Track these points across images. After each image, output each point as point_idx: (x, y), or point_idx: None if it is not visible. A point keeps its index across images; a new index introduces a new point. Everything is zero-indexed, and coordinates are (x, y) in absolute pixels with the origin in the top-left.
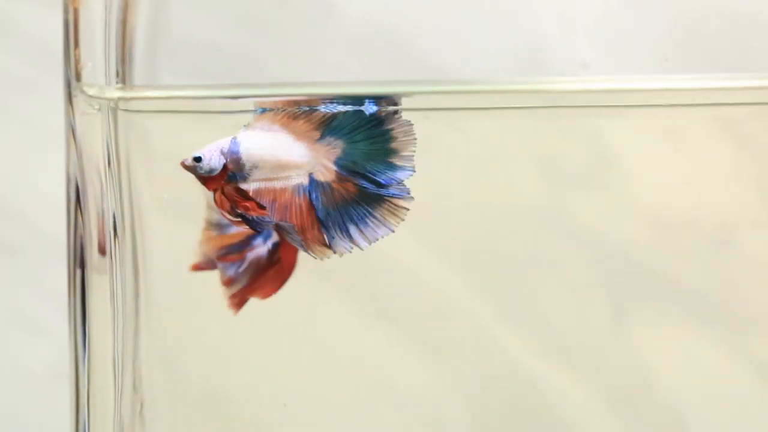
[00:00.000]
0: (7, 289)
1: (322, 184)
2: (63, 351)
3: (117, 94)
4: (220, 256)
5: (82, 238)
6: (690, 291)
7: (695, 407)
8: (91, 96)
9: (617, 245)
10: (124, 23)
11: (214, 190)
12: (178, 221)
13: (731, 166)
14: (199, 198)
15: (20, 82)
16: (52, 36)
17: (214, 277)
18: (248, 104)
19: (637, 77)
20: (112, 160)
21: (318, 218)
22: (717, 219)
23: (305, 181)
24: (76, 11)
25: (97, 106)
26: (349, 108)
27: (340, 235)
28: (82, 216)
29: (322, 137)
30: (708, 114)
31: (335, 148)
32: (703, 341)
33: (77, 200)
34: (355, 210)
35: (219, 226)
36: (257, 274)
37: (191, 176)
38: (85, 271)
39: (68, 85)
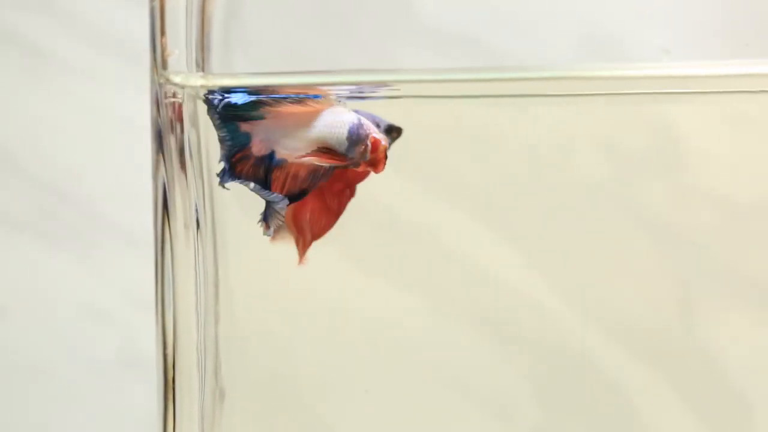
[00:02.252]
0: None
1: None
2: (134, 341)
3: (200, 81)
4: None
5: (170, 230)
6: (761, 277)
7: (765, 397)
8: (176, 84)
9: (685, 231)
10: (203, 12)
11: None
12: (256, 212)
13: None
14: None
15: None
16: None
17: (289, 266)
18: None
19: (701, 63)
20: (192, 149)
21: None
22: None
23: None
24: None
25: (181, 95)
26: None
27: None
28: (167, 210)
29: None
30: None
31: None
32: None
33: (164, 194)
34: None
35: None
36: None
37: None
38: (172, 262)
39: (154, 74)
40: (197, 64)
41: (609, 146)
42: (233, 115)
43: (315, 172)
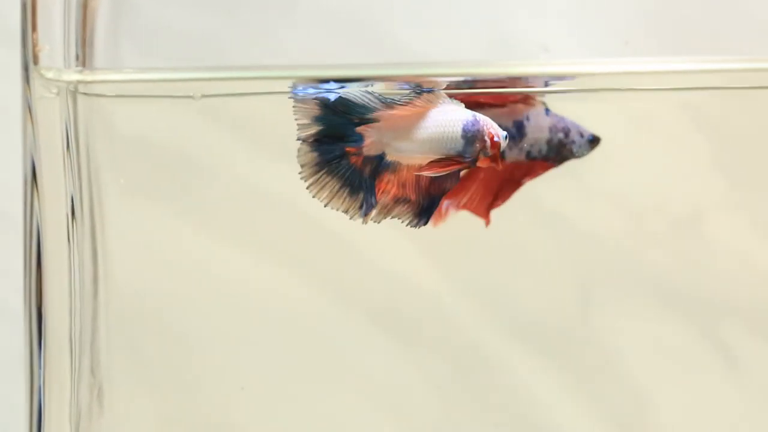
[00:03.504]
0: None
1: None
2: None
3: (75, 77)
4: None
5: (38, 219)
6: (657, 275)
7: (662, 390)
8: (48, 79)
9: (586, 230)
10: (84, 6)
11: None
12: (138, 204)
13: (698, 151)
14: (160, 181)
15: None
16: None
17: (174, 259)
18: (205, 87)
19: (603, 60)
20: (71, 142)
21: None
22: (685, 204)
23: None
24: None
25: (55, 90)
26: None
27: None
28: (38, 197)
29: None
30: (675, 99)
31: None
32: (671, 325)
33: (33, 182)
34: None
35: None
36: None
37: (152, 159)
38: (42, 254)
39: (26, 69)
40: (77, 59)
41: None
42: (345, 113)
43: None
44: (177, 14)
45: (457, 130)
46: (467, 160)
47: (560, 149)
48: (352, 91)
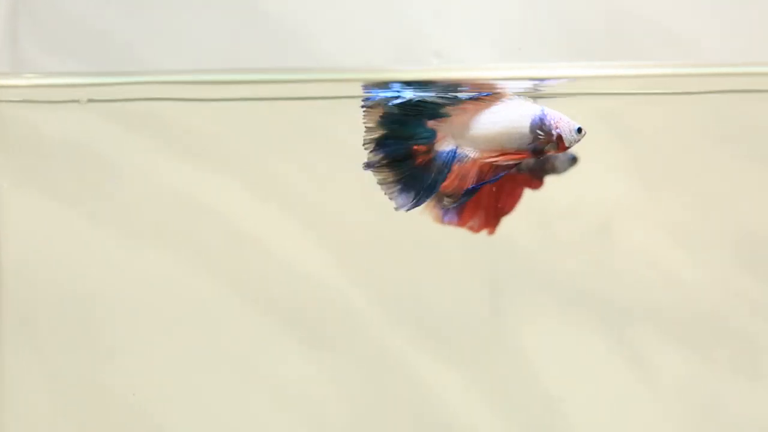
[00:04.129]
0: None
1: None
2: None
3: None
4: None
5: None
6: (568, 279)
7: (573, 396)
8: None
9: (497, 235)
10: None
11: None
12: (34, 202)
13: (609, 156)
14: (57, 180)
15: None
16: None
17: (71, 257)
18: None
19: (518, 65)
20: None
21: None
22: (596, 208)
23: None
24: None
25: None
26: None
27: None
28: None
29: None
30: (589, 104)
31: None
32: (581, 329)
33: None
34: None
35: None
36: None
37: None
38: None
39: None
40: None
41: None
42: (420, 112)
43: (486, 170)
44: (83, 12)
45: (525, 124)
46: (533, 154)
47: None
48: (421, 92)
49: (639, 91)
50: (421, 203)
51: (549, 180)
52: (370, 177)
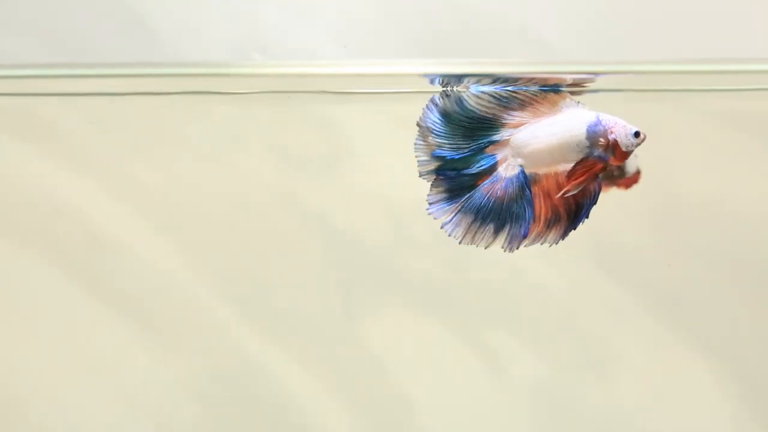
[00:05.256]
0: None
1: None
2: None
3: None
4: None
5: None
6: (421, 280)
7: (424, 394)
8: None
9: (349, 234)
10: None
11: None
12: None
13: None
14: None
15: None
16: None
17: None
18: None
19: (363, 62)
20: None
21: None
22: None
23: None
24: None
25: None
26: None
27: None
28: None
29: None
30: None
31: None
32: (434, 330)
33: None
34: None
35: None
36: None
37: None
38: None
39: None
40: None
41: (274, 145)
42: (479, 140)
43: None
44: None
45: (582, 132)
46: (603, 162)
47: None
48: (471, 104)
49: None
50: (522, 232)
51: (404, 180)
52: (226, 175)
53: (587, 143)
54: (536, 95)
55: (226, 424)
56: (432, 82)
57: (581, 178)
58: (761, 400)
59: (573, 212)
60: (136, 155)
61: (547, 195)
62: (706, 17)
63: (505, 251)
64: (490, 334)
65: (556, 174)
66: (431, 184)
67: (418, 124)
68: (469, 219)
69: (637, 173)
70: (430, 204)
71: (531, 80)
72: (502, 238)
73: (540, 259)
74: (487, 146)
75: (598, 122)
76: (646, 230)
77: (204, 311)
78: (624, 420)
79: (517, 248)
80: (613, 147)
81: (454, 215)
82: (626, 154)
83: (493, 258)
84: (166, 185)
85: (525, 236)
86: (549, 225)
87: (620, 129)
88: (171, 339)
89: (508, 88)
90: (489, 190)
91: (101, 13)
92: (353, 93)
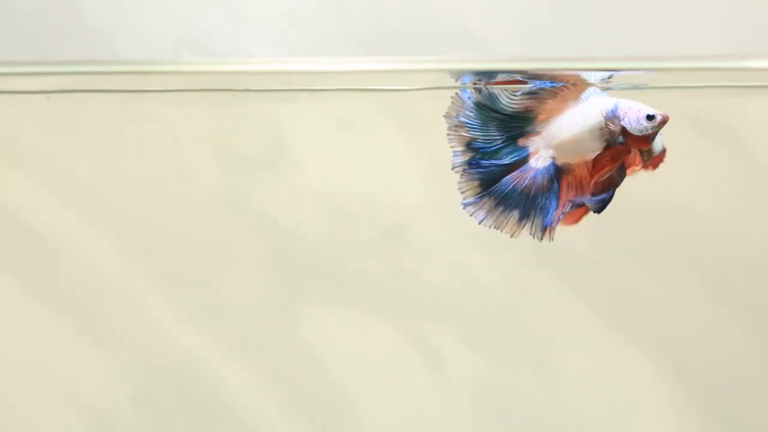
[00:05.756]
0: None
1: None
2: None
3: None
4: None
5: None
6: (362, 279)
7: (366, 392)
8: None
9: (291, 232)
10: None
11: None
12: None
13: (403, 155)
14: None
15: None
16: None
17: None
18: None
19: (301, 60)
20: None
21: None
22: (389, 208)
23: None
24: None
25: None
26: None
27: None
28: None
29: None
30: (379, 100)
31: None
32: (375, 328)
33: None
34: None
35: None
36: None
37: None
38: None
39: None
40: None
41: (217, 145)
42: (512, 132)
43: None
44: None
45: (600, 119)
46: (625, 147)
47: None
48: (503, 101)
49: (428, 86)
50: (545, 222)
51: (345, 178)
52: (164, 173)
53: (604, 129)
54: (562, 87)
55: (164, 419)
56: (461, 79)
57: (605, 169)
58: (700, 393)
59: (598, 200)
60: (73, 153)
61: (579, 184)
62: (638, 16)
63: (534, 238)
64: (432, 331)
65: (587, 163)
66: (461, 176)
67: (447, 117)
68: (492, 203)
69: (662, 152)
70: (464, 197)
71: (554, 77)
72: (526, 226)
73: (481, 258)
74: (519, 138)
75: (615, 108)
76: (585, 229)
77: (145, 310)
78: (564, 416)
79: (541, 239)
80: (624, 133)
81: (479, 198)
82: (644, 138)
83: (435, 257)
84: (104, 183)
85: (548, 226)
86: (572, 210)
87: (633, 114)
88: (111, 336)
89: (537, 83)
90: (516, 178)
91: (36, 10)
92: (293, 91)
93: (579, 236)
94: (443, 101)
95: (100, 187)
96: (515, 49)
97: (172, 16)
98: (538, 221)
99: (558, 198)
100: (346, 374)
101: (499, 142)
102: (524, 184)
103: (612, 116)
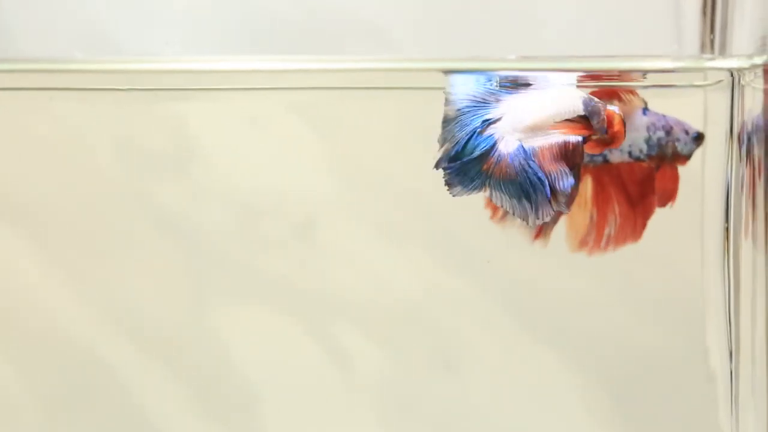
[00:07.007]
0: None
1: None
2: None
3: None
4: None
5: None
6: (270, 278)
7: (273, 391)
8: None
9: (198, 231)
10: None
11: None
12: None
13: (311, 153)
14: None
15: None
16: None
17: None
18: None
19: (207, 58)
20: None
21: None
22: (300, 206)
23: None
24: None
25: None
26: None
27: None
28: None
29: None
30: (287, 99)
31: None
32: (284, 327)
33: None
34: None
35: None
36: None
37: None
38: None
39: None
40: None
41: (122, 144)
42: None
43: (565, 150)
44: None
45: (578, 104)
46: (594, 131)
47: (662, 148)
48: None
49: (336, 85)
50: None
51: (253, 178)
52: (70, 172)
53: (583, 107)
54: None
55: (72, 421)
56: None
57: (566, 129)
58: (607, 391)
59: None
60: None
61: (549, 161)
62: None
63: (564, 213)
64: (339, 330)
65: (551, 146)
66: (444, 182)
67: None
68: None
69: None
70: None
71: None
72: (533, 209)
73: (390, 257)
74: (483, 128)
75: (592, 98)
76: (493, 227)
77: (49, 309)
78: (473, 416)
79: (564, 209)
80: (609, 123)
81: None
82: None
83: (344, 256)
84: (10, 181)
85: (550, 197)
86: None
87: (611, 108)
88: (15, 336)
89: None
90: (499, 171)
91: None
92: (199, 90)
93: (482, 232)
94: (354, 100)
95: (6, 185)
96: (422, 48)
97: (73, 15)
98: (540, 198)
99: (543, 171)
100: (254, 373)
101: (463, 137)
102: (507, 173)
103: (591, 103)
